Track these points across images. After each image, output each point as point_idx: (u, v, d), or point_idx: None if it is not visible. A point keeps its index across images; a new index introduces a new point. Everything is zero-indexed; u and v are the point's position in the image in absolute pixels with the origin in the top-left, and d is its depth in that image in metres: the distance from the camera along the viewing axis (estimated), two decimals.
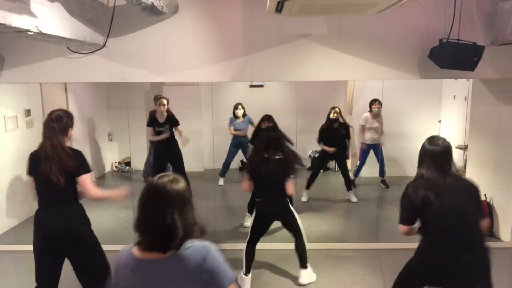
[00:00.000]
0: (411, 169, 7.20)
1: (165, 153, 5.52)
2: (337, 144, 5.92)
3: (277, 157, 3.56)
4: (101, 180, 7.26)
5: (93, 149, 7.18)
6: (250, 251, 3.62)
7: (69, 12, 3.03)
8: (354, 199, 6.05)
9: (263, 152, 3.59)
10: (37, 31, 2.64)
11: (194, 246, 1.50)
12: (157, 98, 5.55)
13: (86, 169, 2.76)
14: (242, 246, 3.71)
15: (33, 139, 5.43)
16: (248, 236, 3.65)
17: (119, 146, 7.82)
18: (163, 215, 1.46)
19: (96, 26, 3.55)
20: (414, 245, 2.58)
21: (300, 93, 7.45)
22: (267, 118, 5.01)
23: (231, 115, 6.58)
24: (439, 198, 2.36)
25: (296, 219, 3.64)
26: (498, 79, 4.04)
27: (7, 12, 2.33)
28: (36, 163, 2.72)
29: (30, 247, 2.75)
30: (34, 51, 3.81)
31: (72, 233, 2.75)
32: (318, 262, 4.13)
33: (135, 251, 1.52)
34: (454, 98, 6.75)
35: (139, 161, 7.26)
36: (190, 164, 6.10)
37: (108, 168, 7.72)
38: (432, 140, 2.50)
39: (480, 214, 2.47)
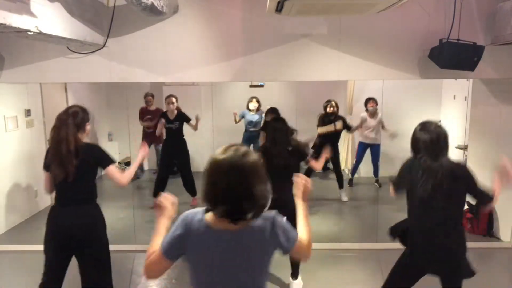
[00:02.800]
0: None
1: (173, 151, 5.55)
2: (333, 139, 5.91)
3: (289, 148, 3.46)
4: (101, 180, 7.25)
5: None
6: None
7: (69, 12, 3.03)
8: (344, 198, 6.05)
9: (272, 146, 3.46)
10: (37, 31, 2.64)
11: (260, 217, 1.56)
12: (166, 97, 5.60)
13: (108, 161, 2.75)
14: None
15: (33, 139, 5.44)
16: None
17: (119, 146, 7.80)
18: (245, 187, 1.48)
19: (96, 26, 3.55)
20: None
21: (300, 93, 7.45)
22: (271, 110, 5.09)
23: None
24: (427, 180, 2.33)
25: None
26: (498, 79, 4.04)
27: (7, 12, 2.33)
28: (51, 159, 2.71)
29: (30, 247, 2.76)
30: (34, 51, 3.81)
31: (85, 233, 2.74)
32: (318, 262, 4.13)
33: (208, 219, 1.55)
34: (454, 98, 6.74)
35: None
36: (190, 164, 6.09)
37: None
38: (424, 126, 2.45)
39: (482, 197, 2.41)
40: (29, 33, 2.64)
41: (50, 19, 2.80)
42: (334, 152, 5.98)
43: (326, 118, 5.94)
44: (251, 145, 6.51)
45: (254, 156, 1.54)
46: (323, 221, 5.31)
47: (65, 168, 2.62)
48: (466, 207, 4.91)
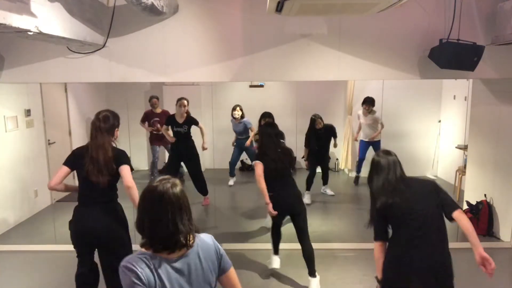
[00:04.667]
0: (412, 169, 7.19)
1: (182, 154, 5.54)
2: (322, 147, 5.98)
3: (279, 150, 3.65)
4: None
5: None
6: (274, 233, 3.83)
7: (69, 12, 3.03)
8: (330, 192, 6.24)
9: (268, 146, 3.64)
10: (37, 31, 2.64)
11: (200, 239, 1.63)
12: (178, 99, 5.56)
13: (126, 162, 2.84)
14: (251, 246, 3.69)
15: (33, 139, 5.44)
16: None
17: (119, 146, 7.81)
18: (170, 219, 1.52)
19: (96, 26, 3.55)
20: None
21: (300, 93, 7.46)
22: (267, 115, 5.10)
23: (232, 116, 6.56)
24: (396, 200, 2.35)
25: (306, 213, 3.67)
26: (498, 79, 4.04)
27: (7, 12, 2.33)
28: (80, 160, 2.81)
29: (30, 247, 2.77)
30: (34, 51, 3.81)
31: (108, 233, 2.84)
32: (318, 262, 4.13)
33: (148, 251, 1.55)
34: (454, 98, 6.75)
35: (139, 161, 7.26)
36: None
37: None
38: (374, 158, 2.52)
39: (448, 207, 2.35)
40: (29, 33, 2.64)
41: (50, 19, 2.80)
42: (324, 159, 6.15)
43: (314, 134, 5.94)
44: (243, 152, 6.58)
45: (179, 187, 1.59)
46: (324, 221, 5.31)
47: (102, 174, 2.75)
48: (466, 207, 4.92)
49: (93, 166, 2.75)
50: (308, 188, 5.98)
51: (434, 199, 2.36)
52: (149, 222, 1.53)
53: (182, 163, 5.76)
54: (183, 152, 5.53)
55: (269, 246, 3.97)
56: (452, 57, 3.50)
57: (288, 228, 4.90)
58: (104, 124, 2.81)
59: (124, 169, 2.79)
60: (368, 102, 6.37)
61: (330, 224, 5.19)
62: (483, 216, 4.66)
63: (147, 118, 6.61)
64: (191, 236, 1.57)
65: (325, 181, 6.28)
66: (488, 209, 4.66)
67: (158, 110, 6.63)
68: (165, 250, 1.53)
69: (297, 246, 3.86)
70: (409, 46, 3.82)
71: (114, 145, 2.90)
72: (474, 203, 4.83)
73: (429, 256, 2.32)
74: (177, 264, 1.54)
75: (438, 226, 2.35)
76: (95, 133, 2.79)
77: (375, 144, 6.52)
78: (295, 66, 3.87)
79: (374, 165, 2.47)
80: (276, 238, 3.86)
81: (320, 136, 5.90)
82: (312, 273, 3.62)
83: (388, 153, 2.48)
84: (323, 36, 3.82)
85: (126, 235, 2.96)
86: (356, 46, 3.83)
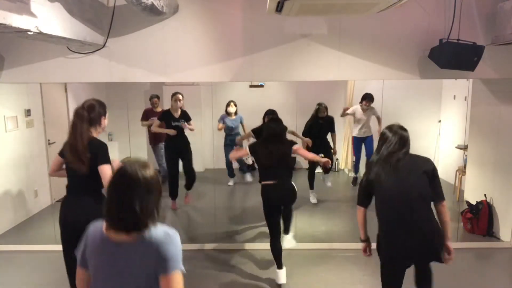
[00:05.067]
0: None
1: (179, 148, 5.56)
2: (322, 138, 5.96)
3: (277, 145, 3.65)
4: None
5: None
6: (273, 247, 3.68)
7: (69, 12, 3.03)
8: (328, 183, 6.08)
9: (265, 141, 3.68)
10: (37, 31, 2.64)
11: (156, 232, 1.54)
12: (173, 94, 5.57)
13: (103, 160, 2.77)
14: (247, 246, 3.70)
15: (33, 139, 5.44)
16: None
17: (119, 146, 7.81)
18: (129, 200, 1.51)
19: (96, 26, 3.55)
20: None
21: (300, 93, 7.45)
22: (270, 112, 5.09)
23: (226, 112, 6.56)
24: (387, 175, 2.51)
25: (292, 211, 3.77)
26: (498, 79, 4.04)
27: (7, 12, 2.33)
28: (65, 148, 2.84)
29: (30, 247, 2.77)
30: (34, 51, 3.81)
31: (84, 224, 2.77)
32: (318, 262, 4.13)
33: (104, 228, 1.58)
34: (454, 98, 6.75)
35: None
36: None
37: None
38: (389, 127, 2.67)
39: (435, 195, 2.52)
40: (29, 33, 2.64)
41: (50, 19, 2.80)
42: (326, 149, 6.05)
43: (316, 123, 5.93)
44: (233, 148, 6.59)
45: (149, 171, 1.56)
46: (324, 221, 5.31)
47: (82, 162, 2.73)
48: (466, 207, 4.92)
49: (71, 154, 2.75)
50: (311, 186, 5.98)
51: (425, 180, 2.49)
52: (111, 199, 1.55)
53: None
54: (181, 146, 5.55)
55: (267, 246, 3.96)
56: (452, 57, 3.50)
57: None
58: (88, 114, 2.79)
59: (103, 169, 2.73)
60: (369, 99, 6.37)
61: (330, 224, 5.19)
62: (483, 216, 4.66)
63: (147, 116, 6.62)
64: (146, 223, 1.52)
65: (326, 170, 6.09)
66: (488, 209, 4.66)
67: (158, 109, 6.62)
68: (113, 229, 1.53)
69: (294, 246, 3.88)
70: (409, 46, 3.82)
71: (97, 135, 2.87)
72: (474, 203, 4.83)
73: (419, 231, 2.47)
74: (116, 247, 1.53)
75: (425, 205, 2.49)
76: (76, 120, 2.77)
77: (367, 139, 6.53)
78: (295, 66, 3.87)
79: (385, 136, 2.61)
80: (275, 251, 3.68)
81: (321, 126, 5.91)
82: (286, 231, 3.88)
83: (403, 129, 2.62)
84: (323, 36, 3.83)
85: None
86: (356, 46, 3.83)
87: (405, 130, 2.61)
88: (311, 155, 3.77)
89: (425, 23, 3.78)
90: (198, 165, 6.93)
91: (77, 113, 2.80)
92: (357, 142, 6.64)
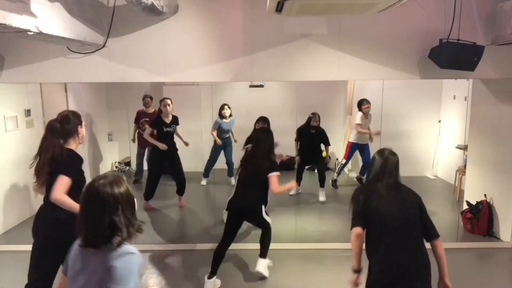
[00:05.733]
0: (412, 169, 7.16)
1: (167, 154, 5.42)
2: (312, 148, 5.98)
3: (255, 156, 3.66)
4: None
5: (93, 149, 7.18)
6: (216, 252, 3.58)
7: (69, 12, 3.03)
8: (322, 197, 6.02)
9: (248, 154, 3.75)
10: (37, 31, 2.64)
11: (120, 250, 1.59)
12: (161, 100, 5.52)
13: (65, 171, 2.67)
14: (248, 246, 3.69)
15: (33, 139, 5.43)
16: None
17: (119, 146, 7.82)
18: (97, 216, 1.58)
19: (96, 26, 3.55)
20: None
21: (300, 93, 7.45)
22: (262, 119, 5.06)
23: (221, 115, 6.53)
24: (379, 202, 2.41)
25: (263, 220, 3.67)
26: (498, 79, 4.04)
27: (7, 12, 2.33)
28: None
29: (30, 247, 2.76)
30: (34, 51, 3.81)
31: (42, 232, 2.81)
32: (319, 262, 4.13)
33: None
34: (454, 98, 6.75)
35: None
36: (190, 164, 6.10)
37: (108, 168, 7.72)
38: (380, 151, 2.57)
39: (432, 232, 2.41)
40: (29, 33, 2.64)
41: (50, 19, 2.80)
42: (316, 160, 6.14)
43: (306, 132, 5.95)
44: (223, 151, 6.58)
45: (119, 188, 1.62)
46: (323, 221, 5.31)
47: (42, 174, 2.76)
48: (466, 207, 4.92)
49: (36, 165, 2.77)
50: (321, 184, 6.02)
51: (415, 212, 2.40)
52: (80, 214, 1.63)
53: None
54: (169, 152, 5.41)
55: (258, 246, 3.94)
56: (452, 57, 3.50)
57: (283, 229, 4.91)
58: (63, 125, 2.75)
59: (58, 178, 2.65)
60: (367, 101, 6.35)
61: (330, 224, 5.19)
62: (483, 216, 4.66)
63: (139, 118, 6.59)
64: (110, 239, 1.59)
65: (321, 183, 6.08)
66: (488, 209, 4.66)
67: (151, 110, 6.60)
68: (87, 244, 1.61)
69: (294, 246, 3.88)
70: (409, 46, 3.82)
71: (77, 145, 2.84)
72: (474, 203, 4.83)
73: (410, 260, 2.34)
74: (85, 257, 1.61)
75: (416, 235, 2.39)
76: (47, 133, 2.76)
77: (365, 147, 6.51)
78: (295, 66, 3.87)
79: (377, 162, 2.51)
80: (217, 257, 3.57)
81: (312, 135, 5.93)
82: (263, 255, 3.73)
83: (393, 153, 2.52)
84: (323, 36, 3.83)
85: (59, 233, 2.67)
86: (356, 46, 3.83)
87: (394, 154, 2.53)
88: (277, 190, 3.51)
89: (425, 23, 3.78)
90: (197, 165, 6.95)
91: (49, 124, 2.76)
92: (354, 148, 6.59)
